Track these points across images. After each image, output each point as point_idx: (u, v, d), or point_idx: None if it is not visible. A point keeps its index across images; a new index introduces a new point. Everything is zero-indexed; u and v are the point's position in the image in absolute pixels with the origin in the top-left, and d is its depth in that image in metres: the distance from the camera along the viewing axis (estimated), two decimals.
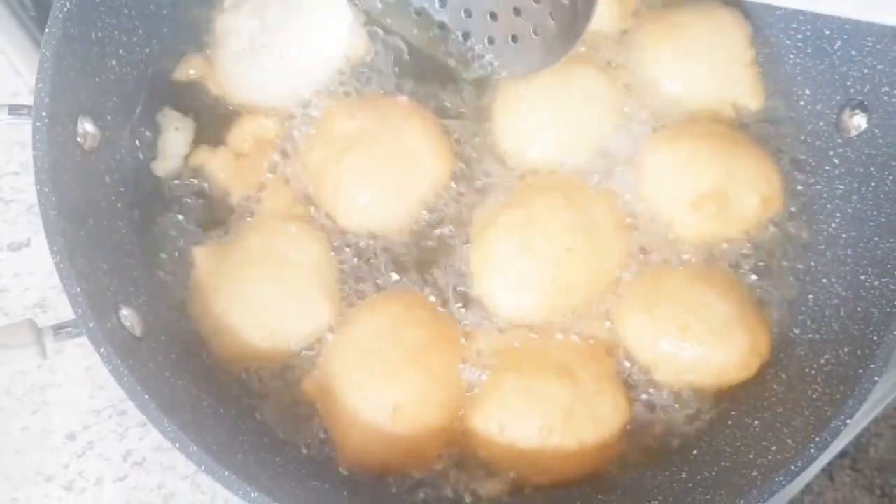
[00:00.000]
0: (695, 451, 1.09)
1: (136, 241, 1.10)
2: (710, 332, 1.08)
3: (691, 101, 1.21)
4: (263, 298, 1.07)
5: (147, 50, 1.17)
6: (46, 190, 0.93)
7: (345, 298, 1.11)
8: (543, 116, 1.17)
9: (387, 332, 1.06)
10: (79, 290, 0.91)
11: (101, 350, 0.91)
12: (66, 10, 0.99)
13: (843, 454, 1.38)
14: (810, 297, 1.16)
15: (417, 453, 1.06)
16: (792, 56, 1.26)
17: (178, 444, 0.89)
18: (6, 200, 1.34)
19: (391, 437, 1.04)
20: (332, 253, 1.12)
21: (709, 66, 1.21)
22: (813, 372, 1.07)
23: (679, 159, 1.16)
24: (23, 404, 1.24)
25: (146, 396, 0.90)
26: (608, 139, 1.19)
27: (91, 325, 0.91)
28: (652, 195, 1.17)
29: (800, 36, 1.24)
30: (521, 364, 1.07)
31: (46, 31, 0.97)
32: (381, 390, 1.04)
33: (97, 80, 1.06)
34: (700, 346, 1.08)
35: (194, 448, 0.89)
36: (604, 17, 1.22)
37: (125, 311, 0.99)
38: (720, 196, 1.14)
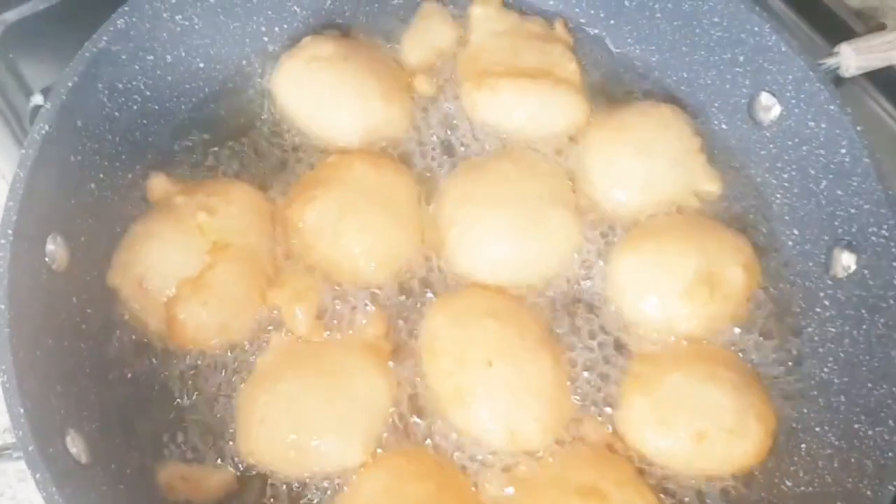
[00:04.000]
0: None
1: (97, 363, 1.07)
2: (727, 434, 1.07)
3: (652, 198, 1.23)
4: (314, 409, 1.04)
5: (129, 175, 1.18)
6: (2, 307, 0.92)
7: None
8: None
9: (392, 489, 1.01)
10: (22, 411, 0.88)
11: (38, 476, 0.86)
12: (44, 132, 1.01)
13: None
14: (803, 446, 1.11)
15: None
16: (779, 196, 1.26)
17: None
18: None
19: None
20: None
21: (666, 159, 1.23)
22: None
23: (653, 258, 1.16)
24: None
25: None
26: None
27: (30, 448, 0.87)
28: (633, 303, 1.16)
29: (785, 175, 1.25)
30: (542, 498, 1.03)
31: (23, 151, 0.99)
32: None
33: (73, 201, 1.07)
34: (717, 448, 1.07)
35: None
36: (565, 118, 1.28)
37: (73, 436, 0.95)
38: (708, 277, 1.13)
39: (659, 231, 1.19)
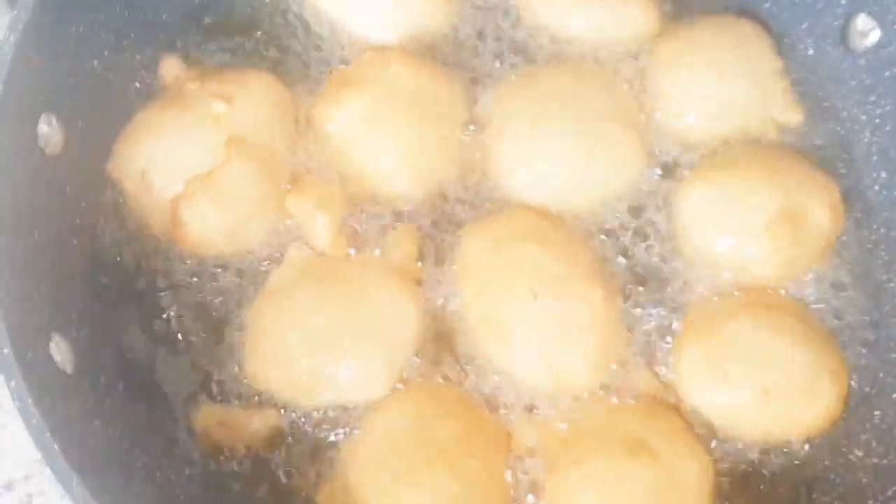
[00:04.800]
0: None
1: (90, 263, 0.96)
2: (796, 392, 0.97)
3: (726, 123, 1.11)
4: (331, 332, 0.94)
5: (138, 57, 1.06)
6: None
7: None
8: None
9: (415, 425, 0.92)
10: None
11: (12, 383, 0.76)
12: None
13: None
14: (877, 413, 1.01)
15: None
16: (867, 134, 1.14)
17: None
18: None
19: None
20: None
21: (744, 81, 1.12)
22: None
23: (730, 191, 1.05)
24: None
25: (55, 446, 0.75)
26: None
27: (5, 350, 0.76)
28: (702, 240, 1.05)
29: (878, 111, 1.13)
30: (583, 450, 0.93)
31: (13, 13, 0.86)
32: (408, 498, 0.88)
33: (71, 79, 0.95)
34: (783, 408, 0.97)
35: None
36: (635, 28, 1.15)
37: (58, 342, 0.85)
38: (791, 216, 1.03)
39: (737, 161, 1.08)
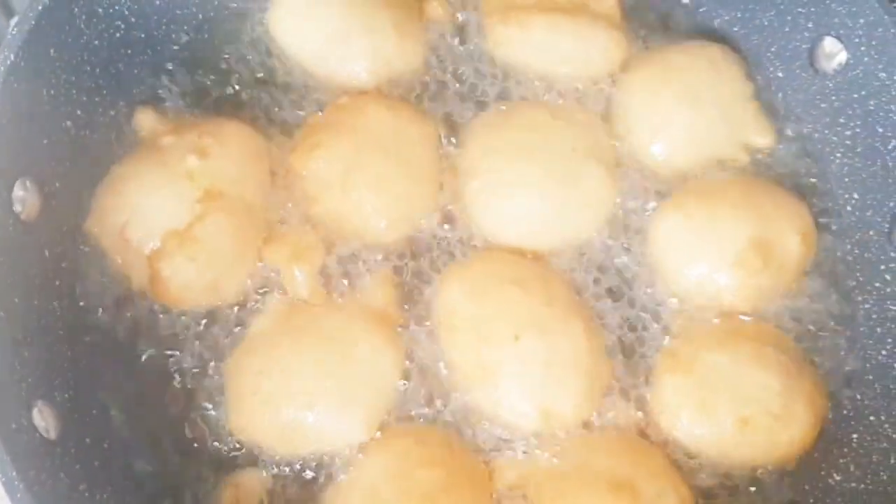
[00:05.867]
0: None
1: (71, 324, 0.97)
2: (772, 420, 0.97)
3: (698, 150, 1.11)
4: (311, 381, 0.95)
5: (111, 113, 1.05)
6: None
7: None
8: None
9: (398, 475, 0.92)
10: None
11: None
12: (9, 62, 0.88)
13: None
14: (854, 437, 1.01)
15: None
16: (839, 155, 1.14)
17: None
18: None
19: None
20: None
21: (715, 107, 1.11)
22: None
23: (702, 222, 1.05)
24: None
25: None
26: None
27: None
28: (675, 271, 1.05)
29: (848, 132, 1.12)
30: (566, 490, 0.93)
31: None
32: None
33: (45, 141, 0.95)
34: (760, 435, 0.97)
35: None
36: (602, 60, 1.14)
37: (41, 409, 0.85)
38: (762, 245, 1.03)
39: (708, 192, 1.08)
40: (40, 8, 0.91)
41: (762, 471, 0.99)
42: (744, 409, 0.97)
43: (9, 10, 1.25)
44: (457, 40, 1.16)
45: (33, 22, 0.91)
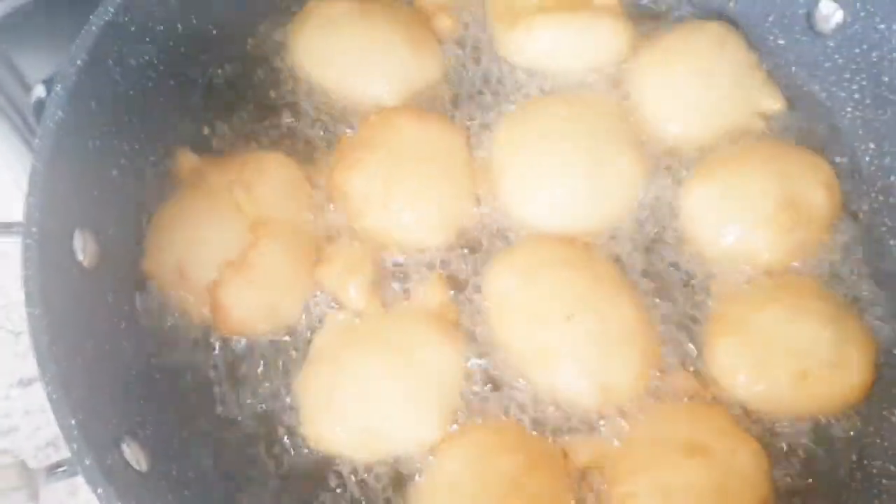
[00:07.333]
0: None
1: (142, 362, 0.99)
2: (829, 369, 1.00)
3: (714, 123, 1.14)
4: (382, 388, 0.97)
5: (152, 158, 1.09)
6: (37, 313, 0.83)
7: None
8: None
9: (479, 466, 0.94)
10: (73, 422, 0.80)
11: (99, 490, 0.79)
12: (58, 118, 0.91)
13: None
14: None
15: None
16: (849, 109, 1.17)
17: None
18: (16, 332, 1.26)
19: None
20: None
21: (724, 80, 1.15)
22: None
23: (730, 187, 1.08)
24: None
25: None
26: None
27: (87, 462, 0.79)
28: (712, 237, 1.08)
29: (855, 87, 1.16)
30: (641, 459, 0.95)
31: (37, 141, 0.90)
32: None
33: (95, 191, 0.98)
34: (820, 385, 1.00)
35: None
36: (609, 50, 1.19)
37: (129, 444, 0.88)
38: (791, 201, 1.06)
39: (731, 158, 1.11)
40: (79, 63, 0.95)
41: (825, 420, 1.01)
42: (800, 363, 0.99)
43: (25, 84, 1.29)
44: (469, 50, 1.20)
45: (74, 78, 0.94)
